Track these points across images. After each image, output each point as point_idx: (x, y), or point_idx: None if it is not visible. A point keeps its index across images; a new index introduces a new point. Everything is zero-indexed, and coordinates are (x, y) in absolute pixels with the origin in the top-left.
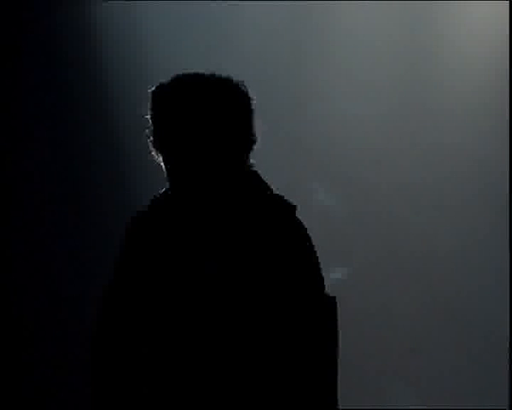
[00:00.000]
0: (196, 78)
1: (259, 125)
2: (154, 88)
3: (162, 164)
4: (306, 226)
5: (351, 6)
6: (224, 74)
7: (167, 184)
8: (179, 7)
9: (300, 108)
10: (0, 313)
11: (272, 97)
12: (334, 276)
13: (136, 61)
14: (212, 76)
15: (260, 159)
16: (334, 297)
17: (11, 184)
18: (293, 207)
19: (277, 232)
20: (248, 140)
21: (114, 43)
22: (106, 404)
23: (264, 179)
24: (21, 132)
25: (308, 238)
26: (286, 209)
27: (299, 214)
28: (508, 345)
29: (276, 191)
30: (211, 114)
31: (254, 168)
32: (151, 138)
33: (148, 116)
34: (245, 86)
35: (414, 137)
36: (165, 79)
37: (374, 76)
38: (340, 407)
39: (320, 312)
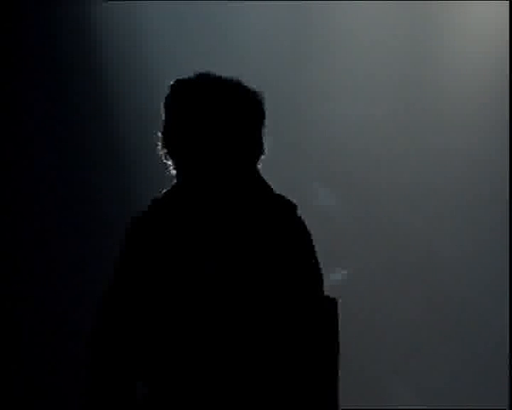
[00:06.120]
0: (218, 80)
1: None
2: (174, 83)
3: (168, 160)
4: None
5: (351, 6)
6: (223, 75)
7: (167, 186)
8: (179, 7)
9: (301, 109)
10: (0, 313)
11: (272, 98)
12: (334, 277)
13: (136, 61)
14: (231, 80)
15: (261, 159)
16: (335, 299)
17: (11, 183)
18: (294, 206)
19: (278, 232)
20: (257, 146)
21: (115, 43)
22: (104, 404)
23: (265, 179)
24: (21, 132)
25: (309, 237)
26: (287, 209)
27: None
28: (508, 345)
29: (276, 192)
30: (226, 115)
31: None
32: (162, 132)
33: (163, 111)
34: (262, 95)
35: (415, 138)
36: (164, 79)
37: (374, 77)
38: (341, 407)
39: (318, 312)
